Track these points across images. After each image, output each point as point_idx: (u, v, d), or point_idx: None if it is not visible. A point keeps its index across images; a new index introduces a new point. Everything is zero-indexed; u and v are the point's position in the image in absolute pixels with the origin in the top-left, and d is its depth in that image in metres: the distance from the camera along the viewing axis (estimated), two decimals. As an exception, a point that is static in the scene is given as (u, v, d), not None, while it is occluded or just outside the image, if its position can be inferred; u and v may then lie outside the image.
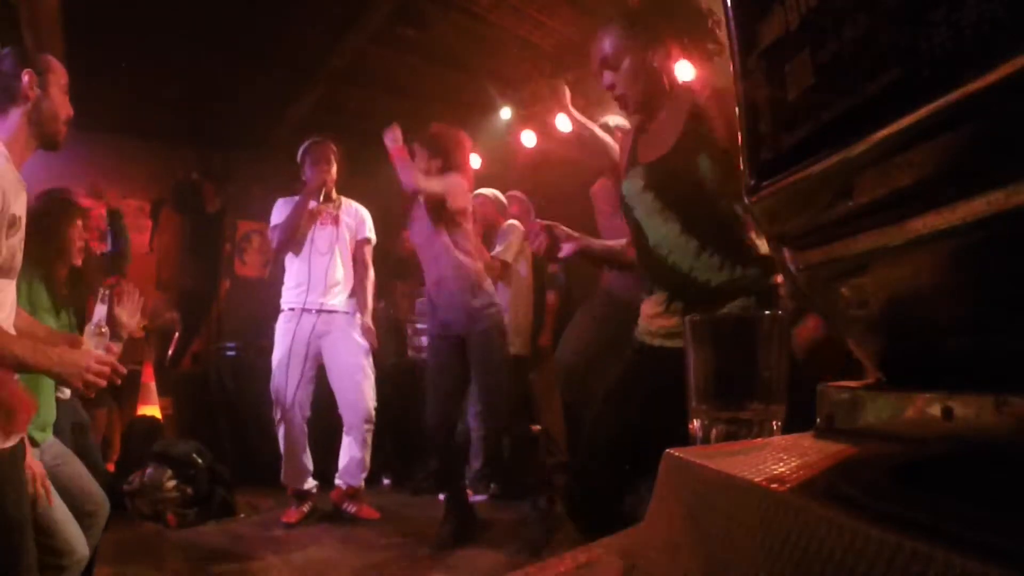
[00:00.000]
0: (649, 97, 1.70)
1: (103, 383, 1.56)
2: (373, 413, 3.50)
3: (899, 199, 0.36)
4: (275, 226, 3.54)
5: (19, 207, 1.53)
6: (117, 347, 2.12)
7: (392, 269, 4.96)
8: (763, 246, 1.58)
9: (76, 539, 1.86)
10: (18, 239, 1.54)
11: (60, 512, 1.84)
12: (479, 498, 3.84)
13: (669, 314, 1.66)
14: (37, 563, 1.54)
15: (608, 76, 1.71)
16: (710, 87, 1.64)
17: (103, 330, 1.90)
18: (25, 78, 1.63)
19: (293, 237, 3.47)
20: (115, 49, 3.90)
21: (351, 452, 3.47)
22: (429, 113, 5.10)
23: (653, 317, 1.71)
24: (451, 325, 3.03)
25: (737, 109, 0.48)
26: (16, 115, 1.62)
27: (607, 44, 1.69)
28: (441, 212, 3.02)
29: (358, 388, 3.47)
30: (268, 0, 3.76)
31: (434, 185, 2.99)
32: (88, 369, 1.52)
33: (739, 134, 0.48)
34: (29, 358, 1.46)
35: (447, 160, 3.10)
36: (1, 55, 1.67)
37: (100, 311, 2.00)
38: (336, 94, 4.99)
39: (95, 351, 1.63)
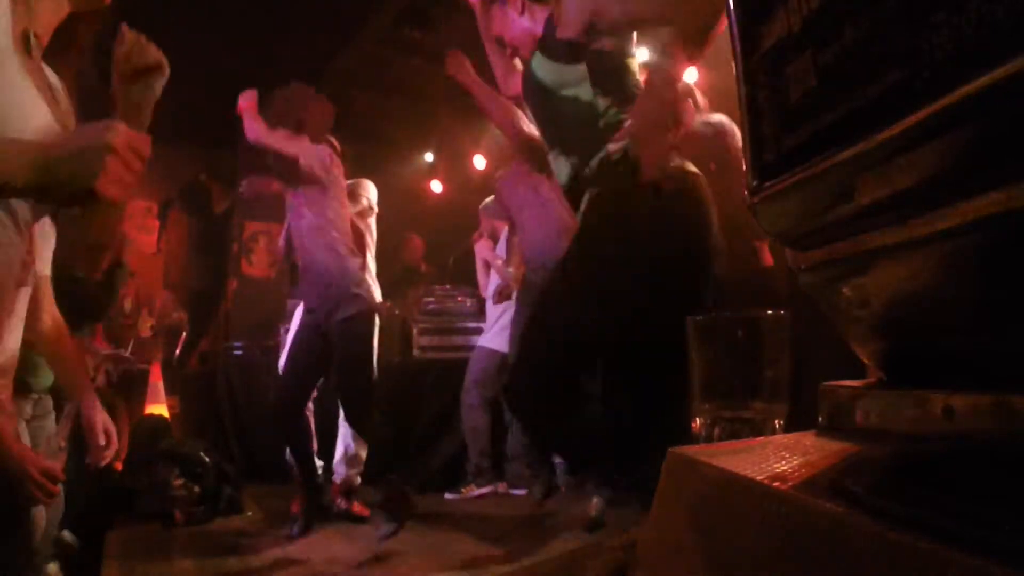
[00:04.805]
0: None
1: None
2: None
3: (900, 200, 0.36)
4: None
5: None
6: None
7: (402, 276, 4.97)
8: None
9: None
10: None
11: None
12: (483, 491, 3.81)
13: None
14: None
15: None
16: None
17: None
18: None
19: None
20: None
21: (345, 442, 3.49)
22: (435, 114, 5.12)
23: None
24: (316, 310, 2.78)
25: (740, 111, 0.49)
26: None
27: None
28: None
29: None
30: (275, 2, 3.77)
31: (283, 143, 2.87)
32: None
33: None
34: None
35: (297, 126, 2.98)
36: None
37: None
38: (342, 96, 5.00)
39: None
